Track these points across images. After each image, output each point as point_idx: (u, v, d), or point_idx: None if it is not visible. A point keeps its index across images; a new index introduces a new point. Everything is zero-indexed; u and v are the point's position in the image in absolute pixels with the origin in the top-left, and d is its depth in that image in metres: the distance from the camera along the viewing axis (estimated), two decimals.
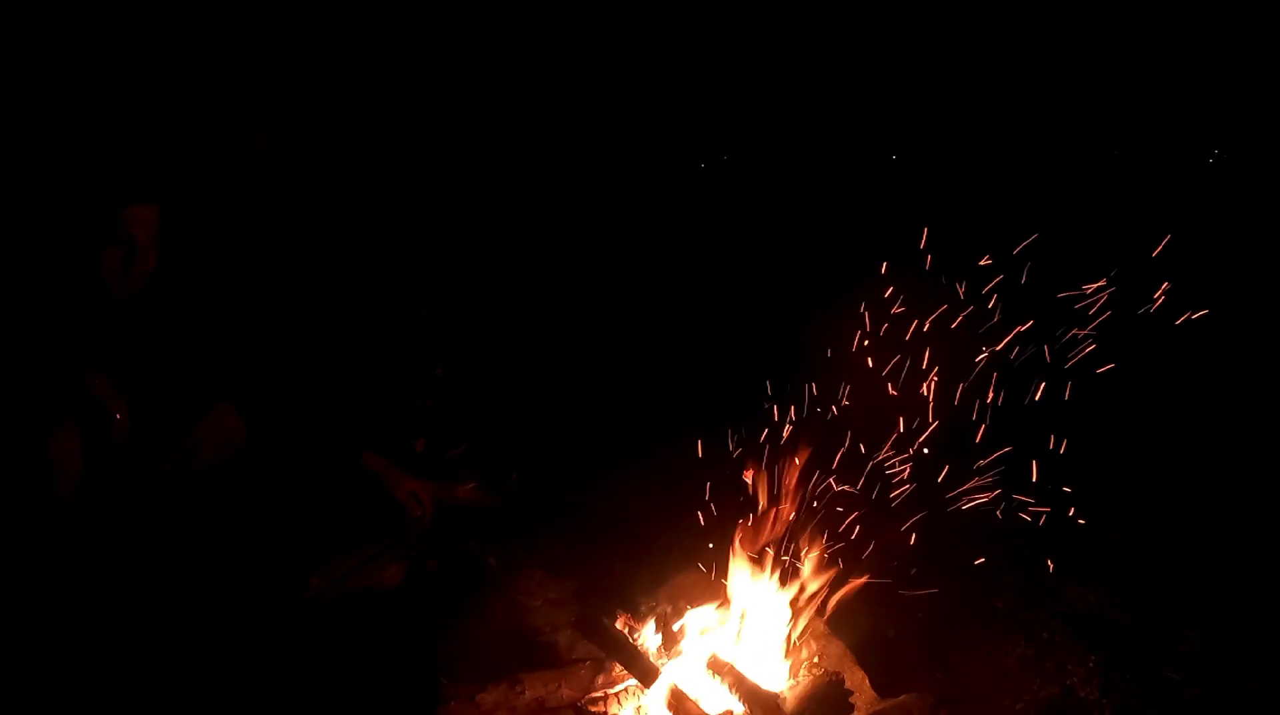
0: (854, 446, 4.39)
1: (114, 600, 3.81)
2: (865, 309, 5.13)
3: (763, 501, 3.82)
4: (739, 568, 3.68)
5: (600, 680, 3.62)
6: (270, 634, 3.80)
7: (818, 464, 3.98)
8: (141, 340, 4.40)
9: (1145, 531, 4.76)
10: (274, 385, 4.63)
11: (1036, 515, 4.82)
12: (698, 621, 3.67)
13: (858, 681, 3.57)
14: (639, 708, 3.62)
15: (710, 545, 3.93)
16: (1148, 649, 4.01)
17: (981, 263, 5.52)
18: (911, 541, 4.14)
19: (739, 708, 3.29)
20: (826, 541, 3.75)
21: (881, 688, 3.59)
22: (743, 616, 3.66)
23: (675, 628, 3.66)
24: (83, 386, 4.20)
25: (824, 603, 3.63)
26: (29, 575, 3.77)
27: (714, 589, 3.76)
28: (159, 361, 4.41)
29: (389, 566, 4.28)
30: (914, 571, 4.33)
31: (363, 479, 4.50)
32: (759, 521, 3.79)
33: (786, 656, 3.62)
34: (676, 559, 3.92)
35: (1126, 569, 4.52)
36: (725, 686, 3.37)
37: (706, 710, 3.28)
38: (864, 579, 3.66)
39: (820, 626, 3.79)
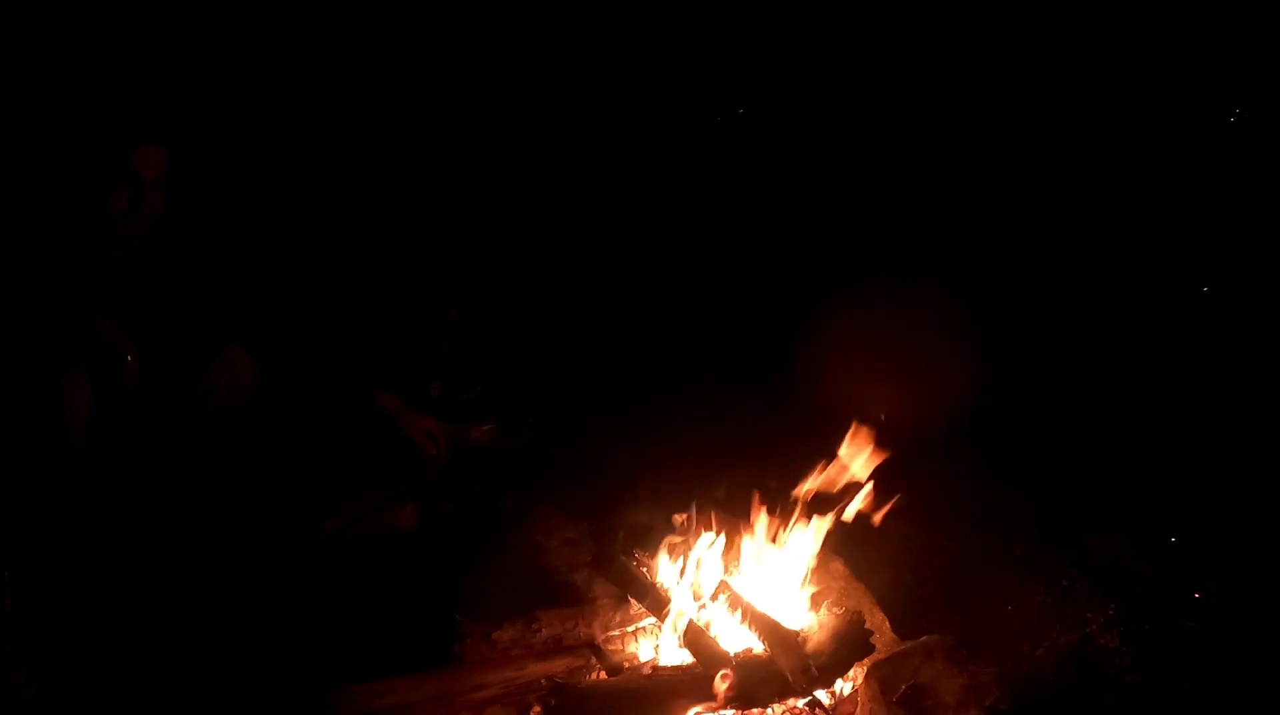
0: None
1: (124, 545, 3.78)
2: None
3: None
4: (760, 506, 3.65)
5: (618, 618, 3.60)
6: (286, 576, 3.77)
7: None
8: (152, 283, 4.37)
9: (1163, 481, 4.72)
10: (286, 326, 4.60)
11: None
12: (717, 559, 3.63)
13: (878, 623, 3.55)
14: (657, 645, 3.60)
15: (728, 486, 3.88)
16: (1166, 599, 3.98)
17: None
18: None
19: (759, 645, 3.27)
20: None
21: (902, 630, 3.57)
22: (763, 554, 3.64)
23: (694, 566, 3.62)
24: (93, 331, 4.18)
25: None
26: (42, 519, 3.75)
27: (734, 528, 3.71)
28: (170, 304, 4.38)
29: (404, 507, 4.25)
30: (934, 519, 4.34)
31: (377, 419, 4.47)
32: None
33: (805, 587, 3.61)
34: (694, 499, 3.87)
35: (1144, 518, 4.48)
36: (745, 624, 3.34)
37: (726, 648, 3.25)
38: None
39: (841, 568, 3.76)
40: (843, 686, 3.47)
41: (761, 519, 3.65)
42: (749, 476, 3.99)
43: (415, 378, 4.77)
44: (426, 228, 5.41)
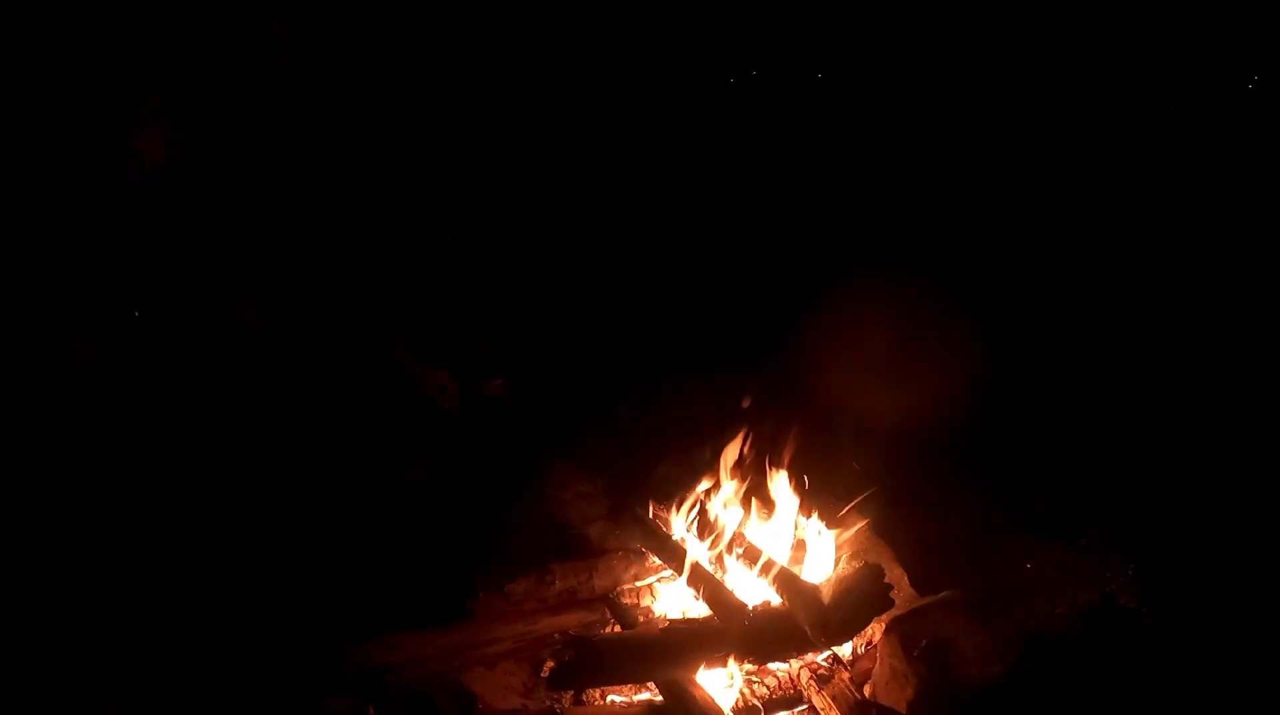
0: None
1: (133, 502, 3.75)
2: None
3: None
4: (774, 460, 3.60)
5: (633, 571, 3.55)
6: (297, 529, 3.72)
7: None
8: (162, 234, 4.31)
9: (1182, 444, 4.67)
10: (299, 279, 4.55)
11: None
12: (734, 512, 3.59)
13: (896, 578, 3.51)
14: (672, 598, 3.56)
15: (744, 440, 3.82)
16: (1187, 560, 3.93)
17: None
18: None
19: (776, 598, 3.22)
20: None
21: (920, 585, 3.53)
22: (780, 508, 3.59)
23: (711, 519, 3.58)
24: (100, 284, 4.13)
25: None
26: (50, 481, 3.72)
27: (750, 481, 3.66)
28: (182, 255, 4.33)
29: (416, 460, 4.20)
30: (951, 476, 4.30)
31: (391, 372, 4.42)
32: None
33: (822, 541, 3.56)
34: (711, 452, 3.81)
35: (1164, 478, 4.43)
36: (763, 577, 3.29)
37: (743, 600, 3.20)
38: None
39: (857, 522, 3.71)
40: (860, 642, 3.43)
41: (780, 474, 3.60)
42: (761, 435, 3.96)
43: (428, 331, 4.72)
44: (440, 184, 5.34)
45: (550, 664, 3.32)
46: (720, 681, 3.21)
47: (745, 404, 3.73)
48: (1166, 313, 5.67)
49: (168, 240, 4.34)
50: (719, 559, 3.49)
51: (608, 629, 3.48)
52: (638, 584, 3.59)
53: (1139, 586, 3.79)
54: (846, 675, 3.26)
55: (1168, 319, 5.62)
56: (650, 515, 3.69)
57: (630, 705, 3.21)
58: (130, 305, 4.22)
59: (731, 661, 3.12)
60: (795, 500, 3.57)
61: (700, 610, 3.38)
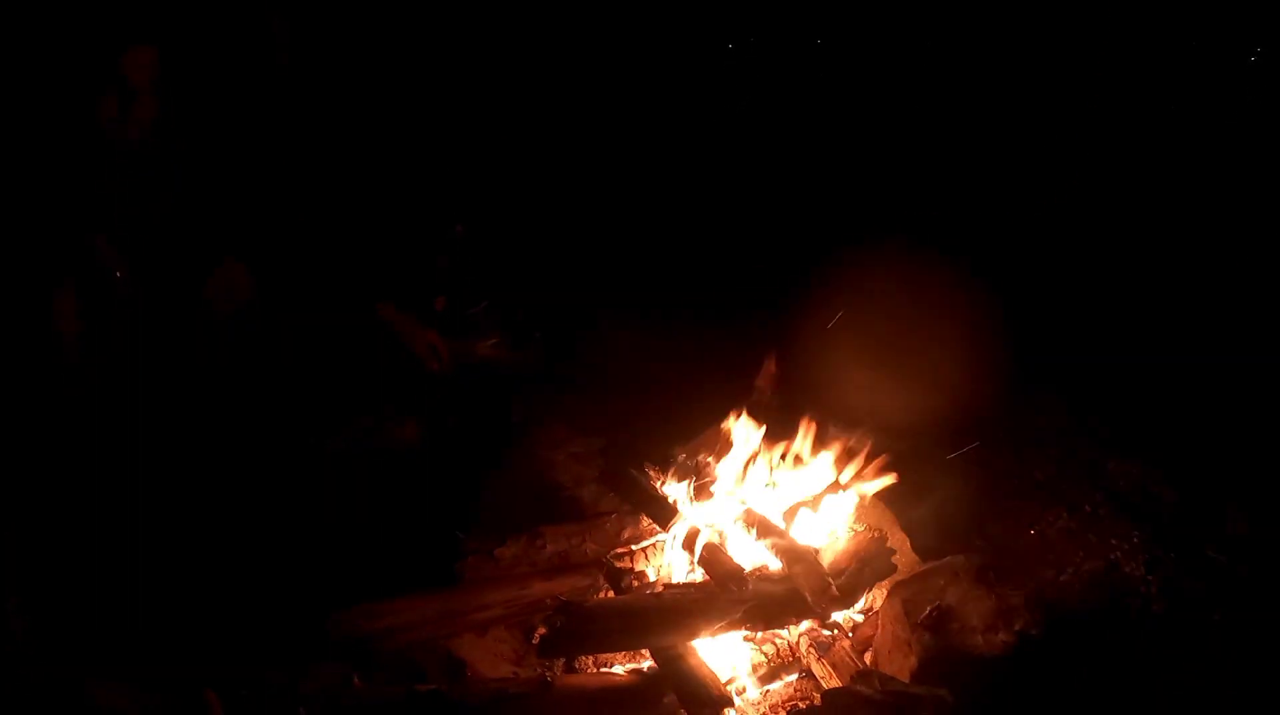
0: None
1: (120, 466, 3.66)
2: None
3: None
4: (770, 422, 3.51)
5: (626, 534, 3.46)
6: (285, 494, 3.66)
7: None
8: (147, 194, 4.23)
9: (1188, 408, 4.60)
10: (286, 238, 4.46)
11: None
12: (731, 475, 3.49)
13: (898, 543, 3.42)
14: (668, 563, 3.47)
15: (741, 399, 3.74)
16: (1192, 528, 3.87)
17: None
18: None
19: (775, 563, 3.13)
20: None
21: (923, 551, 3.46)
22: (780, 471, 3.50)
23: (707, 481, 3.49)
24: (83, 246, 4.05)
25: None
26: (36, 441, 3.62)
27: (746, 442, 3.57)
28: (166, 215, 4.25)
29: (407, 423, 4.12)
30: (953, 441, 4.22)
31: (380, 333, 4.34)
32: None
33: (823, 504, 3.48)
34: (706, 412, 3.72)
35: (1168, 445, 4.37)
36: (762, 541, 3.20)
37: (740, 565, 3.11)
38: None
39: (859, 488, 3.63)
40: (862, 608, 3.36)
41: (779, 438, 3.52)
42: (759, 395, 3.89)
43: (419, 291, 4.63)
44: (431, 138, 5.24)
45: (542, 630, 3.22)
46: (717, 649, 3.13)
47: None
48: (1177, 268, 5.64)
49: (154, 197, 4.25)
50: (716, 522, 3.40)
51: (601, 594, 3.38)
52: (632, 548, 3.50)
53: (1143, 554, 3.72)
54: (847, 643, 3.18)
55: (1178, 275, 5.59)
56: (646, 477, 3.60)
57: (624, 673, 3.14)
58: (112, 264, 4.14)
59: (729, 628, 3.03)
60: (795, 464, 3.49)
61: (697, 575, 3.29)
